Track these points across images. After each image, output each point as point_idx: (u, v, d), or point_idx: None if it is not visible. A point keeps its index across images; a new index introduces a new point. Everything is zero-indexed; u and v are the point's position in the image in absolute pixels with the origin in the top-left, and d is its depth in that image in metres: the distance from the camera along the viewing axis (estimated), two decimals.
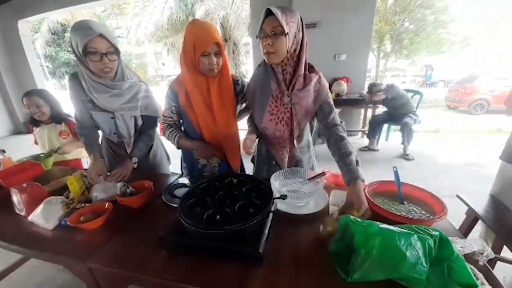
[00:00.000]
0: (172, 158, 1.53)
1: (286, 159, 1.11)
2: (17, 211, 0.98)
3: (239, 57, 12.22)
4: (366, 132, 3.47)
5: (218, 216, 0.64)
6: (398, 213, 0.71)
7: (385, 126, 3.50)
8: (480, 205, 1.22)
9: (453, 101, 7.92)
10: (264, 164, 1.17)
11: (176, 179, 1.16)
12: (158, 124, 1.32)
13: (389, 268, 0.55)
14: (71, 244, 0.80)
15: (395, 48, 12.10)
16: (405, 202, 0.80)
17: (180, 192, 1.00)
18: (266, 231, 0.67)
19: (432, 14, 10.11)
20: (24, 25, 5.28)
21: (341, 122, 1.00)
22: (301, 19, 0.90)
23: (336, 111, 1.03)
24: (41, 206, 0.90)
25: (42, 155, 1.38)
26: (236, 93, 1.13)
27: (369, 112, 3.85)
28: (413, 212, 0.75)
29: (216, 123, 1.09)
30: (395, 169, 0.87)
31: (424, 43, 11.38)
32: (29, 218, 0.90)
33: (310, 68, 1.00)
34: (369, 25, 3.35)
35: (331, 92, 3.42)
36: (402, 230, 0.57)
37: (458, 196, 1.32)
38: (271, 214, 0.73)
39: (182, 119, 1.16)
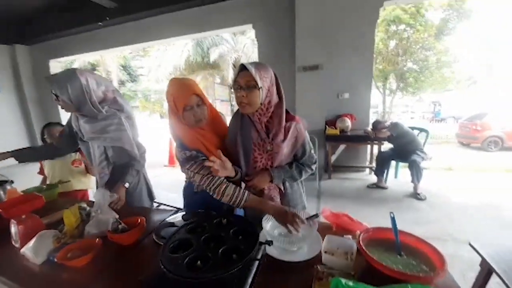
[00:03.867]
0: (171, 192, 1.53)
1: (278, 200, 1.09)
2: (13, 243, 0.99)
3: None
4: (374, 168, 3.40)
5: (199, 262, 0.62)
6: (394, 267, 0.67)
7: (394, 163, 3.44)
8: (497, 256, 1.11)
9: (465, 137, 7.77)
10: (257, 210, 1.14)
11: (171, 215, 1.14)
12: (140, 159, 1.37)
13: None
14: (56, 282, 0.78)
15: (400, 86, 12.45)
16: (402, 253, 0.75)
17: (168, 232, 0.97)
18: (249, 280, 0.63)
19: (434, 55, 10.54)
20: (55, 65, 5.90)
21: (315, 162, 1.13)
22: (274, 75, 0.98)
23: (311, 153, 1.12)
24: (33, 239, 0.90)
25: (44, 186, 1.43)
26: None
27: (376, 148, 3.81)
28: (410, 266, 0.70)
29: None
30: (392, 215, 0.83)
31: (428, 82, 11.69)
32: (21, 250, 0.90)
33: (288, 115, 1.03)
34: (369, 66, 3.53)
35: (336, 128, 3.48)
36: None
37: (470, 245, 1.22)
38: (258, 262, 0.70)
39: None
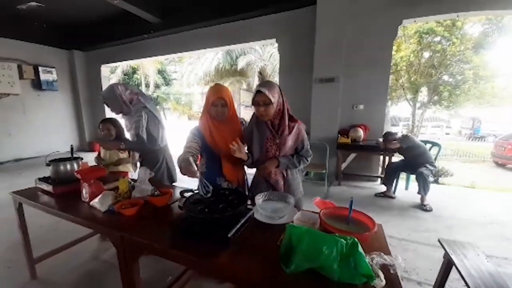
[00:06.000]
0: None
1: (282, 183, 1.43)
2: (83, 199, 1.43)
3: None
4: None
5: (206, 209, 0.96)
6: (339, 228, 0.94)
7: (406, 175, 3.51)
8: (458, 250, 1.29)
9: (500, 157, 7.29)
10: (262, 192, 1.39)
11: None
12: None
13: (312, 259, 0.78)
14: (114, 221, 1.18)
15: (433, 99, 11.89)
16: (349, 223, 1.02)
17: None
18: (238, 225, 0.96)
19: (470, 69, 9.97)
20: (105, 69, 6.83)
21: (310, 155, 1.48)
22: (279, 89, 1.32)
23: (308, 148, 1.46)
24: (99, 196, 1.33)
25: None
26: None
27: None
28: (351, 229, 0.97)
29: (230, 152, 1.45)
30: (351, 199, 1.10)
31: (465, 96, 11.02)
32: (91, 203, 1.33)
33: (292, 118, 1.39)
34: (385, 80, 3.67)
35: (348, 137, 3.66)
36: (323, 233, 0.81)
37: (439, 240, 1.40)
38: (246, 217, 1.02)
39: (203, 150, 1.47)
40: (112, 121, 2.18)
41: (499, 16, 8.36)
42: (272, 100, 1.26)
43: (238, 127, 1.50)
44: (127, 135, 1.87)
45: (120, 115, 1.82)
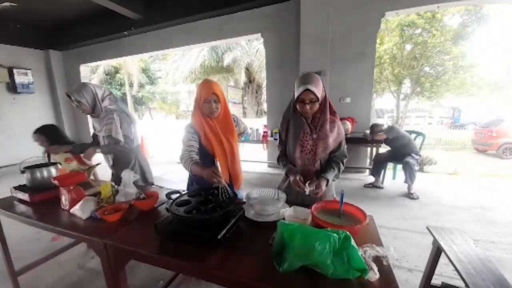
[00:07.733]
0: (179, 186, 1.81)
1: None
2: (62, 207, 1.34)
3: (261, 96, 13.21)
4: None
5: (194, 211, 0.92)
6: (331, 222, 0.93)
7: (392, 165, 3.58)
8: (446, 236, 1.32)
9: (480, 144, 7.62)
10: (293, 190, 1.33)
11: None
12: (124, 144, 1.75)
13: (305, 256, 0.76)
14: (96, 229, 1.11)
15: (416, 90, 12.25)
16: (341, 216, 1.01)
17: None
18: (228, 226, 0.92)
19: (450, 60, 10.31)
20: (85, 69, 6.54)
21: (346, 157, 1.37)
22: (322, 83, 1.23)
23: (344, 150, 1.37)
24: (80, 202, 1.25)
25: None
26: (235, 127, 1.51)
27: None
28: (343, 222, 0.96)
29: (225, 151, 1.42)
30: (342, 192, 1.09)
31: (445, 87, 11.41)
32: (71, 210, 1.25)
33: (333, 112, 1.30)
34: (370, 73, 3.71)
35: None
36: (316, 229, 0.79)
37: (427, 228, 1.43)
38: (236, 216, 0.99)
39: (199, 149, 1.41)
40: (45, 132, 2.15)
41: (478, 5, 8.64)
42: (319, 97, 1.17)
43: (231, 125, 1.46)
44: (101, 137, 1.76)
45: (90, 117, 1.74)
